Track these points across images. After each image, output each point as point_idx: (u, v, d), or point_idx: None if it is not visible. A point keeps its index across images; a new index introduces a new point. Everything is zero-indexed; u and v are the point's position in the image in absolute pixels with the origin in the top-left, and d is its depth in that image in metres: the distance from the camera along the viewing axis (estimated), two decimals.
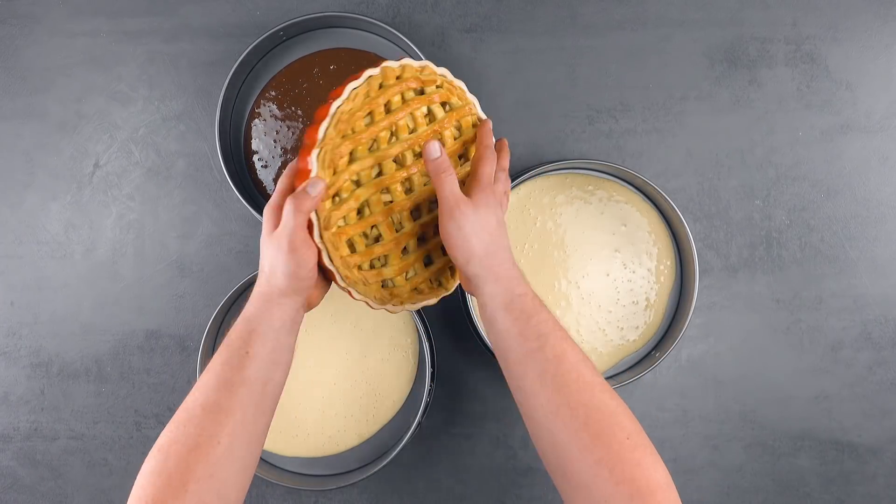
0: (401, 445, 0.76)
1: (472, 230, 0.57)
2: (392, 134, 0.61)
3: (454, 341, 0.83)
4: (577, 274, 0.81)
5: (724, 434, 0.82)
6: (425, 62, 0.63)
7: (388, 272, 0.62)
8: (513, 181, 0.79)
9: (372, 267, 0.61)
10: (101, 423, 0.83)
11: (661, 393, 0.82)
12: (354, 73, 0.61)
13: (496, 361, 0.77)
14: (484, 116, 0.66)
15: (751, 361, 0.83)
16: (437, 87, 0.63)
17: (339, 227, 0.59)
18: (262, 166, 0.82)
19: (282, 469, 0.81)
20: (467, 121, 0.64)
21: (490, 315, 0.58)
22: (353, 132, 0.59)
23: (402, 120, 0.60)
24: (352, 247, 0.61)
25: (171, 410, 0.83)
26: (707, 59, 0.84)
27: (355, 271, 0.60)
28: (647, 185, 0.79)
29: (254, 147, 0.82)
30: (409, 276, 0.63)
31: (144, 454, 0.81)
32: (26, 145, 0.84)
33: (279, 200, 0.60)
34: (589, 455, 0.50)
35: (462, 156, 0.65)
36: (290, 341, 0.59)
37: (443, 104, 0.63)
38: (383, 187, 0.60)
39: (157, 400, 0.83)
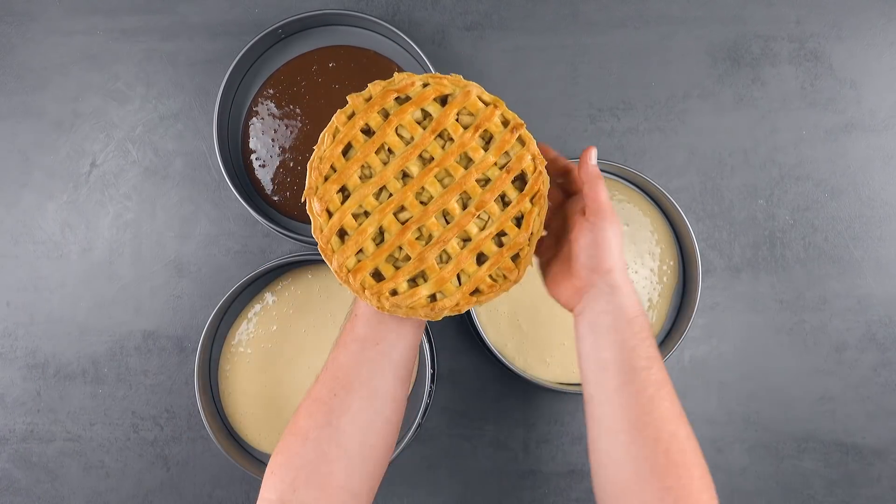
0: (400, 447, 0.75)
1: (618, 241, 0.58)
2: (388, 153, 0.59)
3: (454, 342, 0.82)
4: None
5: (727, 436, 0.81)
6: (399, 73, 0.60)
7: (424, 290, 0.58)
8: None
9: (415, 285, 0.59)
10: (98, 425, 0.82)
11: None
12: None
13: (497, 363, 0.77)
14: (488, 98, 0.60)
15: (754, 362, 0.82)
16: (424, 86, 0.59)
17: (356, 262, 0.58)
18: (259, 166, 0.81)
19: None
20: (475, 104, 0.59)
21: (610, 323, 0.57)
22: (335, 171, 0.58)
23: (389, 136, 0.58)
24: (378, 275, 0.59)
25: (169, 412, 0.82)
26: (710, 58, 0.83)
27: (389, 298, 0.58)
28: (649, 185, 0.78)
29: (251, 146, 0.81)
30: (461, 281, 0.59)
31: (142, 456, 0.82)
32: (22, 144, 0.84)
33: None
34: (660, 481, 0.52)
35: (487, 139, 0.60)
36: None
37: (441, 100, 0.60)
38: (397, 207, 0.58)
39: (155, 401, 0.82)
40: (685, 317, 0.78)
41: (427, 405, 0.77)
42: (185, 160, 0.83)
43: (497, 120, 0.59)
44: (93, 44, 0.84)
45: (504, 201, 0.59)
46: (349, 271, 0.58)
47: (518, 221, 0.59)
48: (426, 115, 0.59)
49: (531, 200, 0.59)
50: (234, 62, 0.77)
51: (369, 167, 0.58)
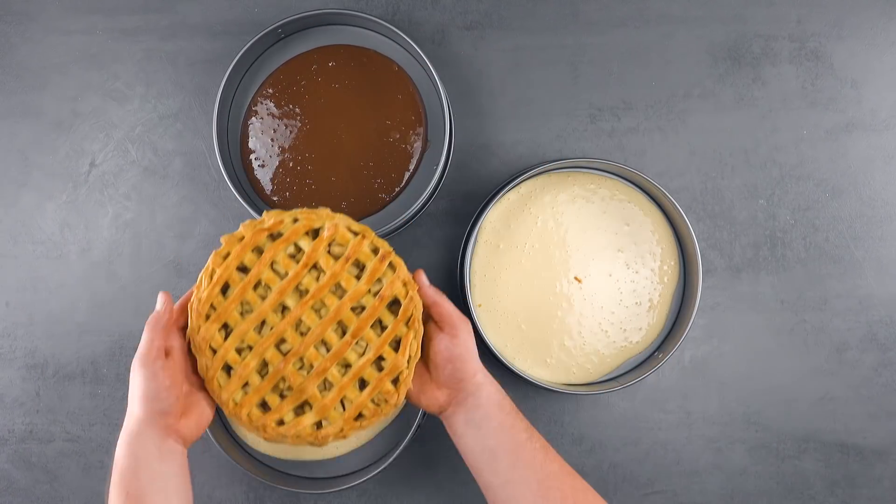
0: (400, 448, 0.75)
1: (473, 342, 0.64)
2: (265, 288, 0.61)
3: None
4: (580, 274, 0.80)
5: (728, 436, 0.81)
6: (269, 211, 0.62)
7: (309, 418, 0.61)
8: (514, 179, 0.78)
9: (301, 413, 0.62)
10: (97, 426, 0.82)
11: (664, 395, 0.82)
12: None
13: (497, 363, 0.77)
14: (357, 228, 0.63)
15: (755, 363, 0.82)
16: (294, 221, 0.62)
17: (243, 395, 0.61)
18: (258, 165, 0.81)
19: (280, 472, 0.80)
20: (344, 236, 0.61)
21: (485, 414, 0.62)
22: (214, 309, 0.60)
23: (264, 272, 0.60)
24: (265, 405, 0.61)
25: None
26: (710, 57, 0.83)
27: (275, 428, 0.61)
28: (649, 185, 0.78)
29: (251, 146, 0.81)
30: (345, 407, 0.62)
31: None
32: (21, 144, 0.84)
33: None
34: None
35: (360, 268, 0.62)
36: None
37: (313, 233, 0.62)
38: (278, 339, 0.60)
39: None
40: (686, 317, 0.78)
41: None
42: (185, 160, 0.83)
43: (367, 249, 0.62)
44: (92, 43, 0.84)
45: (381, 326, 0.62)
46: (236, 404, 0.61)
47: (396, 345, 0.62)
48: (299, 249, 0.62)
49: (406, 324, 0.61)
50: (234, 62, 0.77)
51: (248, 303, 0.61)
